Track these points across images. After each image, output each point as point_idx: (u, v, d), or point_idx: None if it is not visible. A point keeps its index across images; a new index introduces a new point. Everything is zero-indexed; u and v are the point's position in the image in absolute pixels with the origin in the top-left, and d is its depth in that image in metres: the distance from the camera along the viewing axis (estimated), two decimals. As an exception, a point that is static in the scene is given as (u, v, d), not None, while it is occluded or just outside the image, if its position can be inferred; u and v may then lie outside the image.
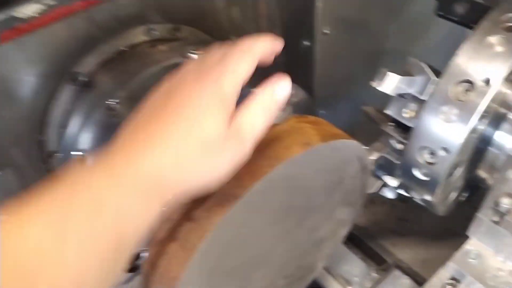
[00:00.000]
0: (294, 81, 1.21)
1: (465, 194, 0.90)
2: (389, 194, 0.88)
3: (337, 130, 0.65)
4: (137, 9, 0.76)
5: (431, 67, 0.71)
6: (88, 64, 0.74)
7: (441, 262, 1.47)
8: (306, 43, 1.12)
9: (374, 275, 1.11)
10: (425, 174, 0.75)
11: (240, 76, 0.43)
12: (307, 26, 1.08)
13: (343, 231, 0.88)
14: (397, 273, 1.10)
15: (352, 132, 1.51)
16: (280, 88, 0.45)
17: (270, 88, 0.45)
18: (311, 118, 0.64)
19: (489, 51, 0.65)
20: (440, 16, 0.79)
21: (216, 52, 0.47)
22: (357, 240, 1.53)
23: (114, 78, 0.74)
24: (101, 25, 0.74)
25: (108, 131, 0.68)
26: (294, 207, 0.61)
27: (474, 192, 0.91)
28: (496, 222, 0.79)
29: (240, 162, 0.42)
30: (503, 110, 0.71)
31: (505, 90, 0.69)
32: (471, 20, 0.74)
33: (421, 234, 1.52)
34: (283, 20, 1.01)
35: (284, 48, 1.12)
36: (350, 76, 1.32)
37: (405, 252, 1.54)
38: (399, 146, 0.77)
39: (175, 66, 0.75)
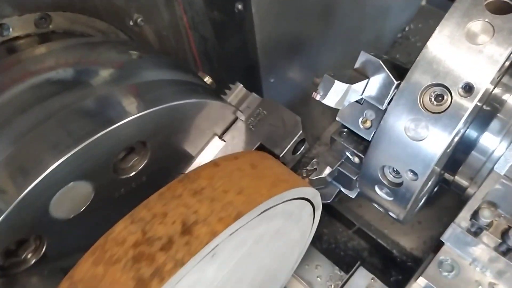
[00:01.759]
0: (233, 51, 1.00)
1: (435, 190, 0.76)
2: (351, 195, 0.73)
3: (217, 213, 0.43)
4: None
5: (390, 61, 0.52)
6: None
7: (408, 223, 1.39)
8: (239, 6, 0.89)
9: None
10: (388, 194, 0.59)
11: None
12: (237, -16, 0.85)
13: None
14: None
15: (308, 103, 1.34)
16: None
17: None
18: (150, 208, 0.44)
19: (471, 44, 0.46)
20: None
21: None
22: (324, 205, 1.44)
23: None
24: None
25: None
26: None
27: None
28: (474, 233, 0.66)
29: None
30: (490, 109, 0.55)
31: (492, 86, 0.52)
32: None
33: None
34: (203, -17, 0.78)
35: (212, 18, 0.89)
36: (299, 37, 1.11)
37: (372, 213, 1.44)
38: (356, 160, 0.61)
39: (47, 84, 0.54)
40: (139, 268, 0.38)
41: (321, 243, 1.41)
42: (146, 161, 0.54)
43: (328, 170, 0.61)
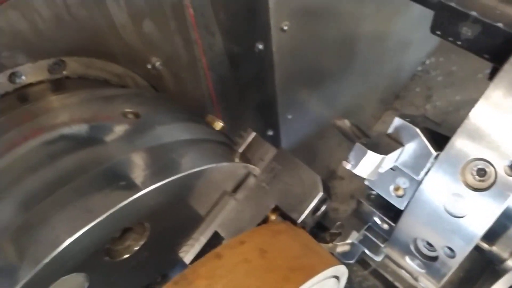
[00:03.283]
0: (250, 89, 0.96)
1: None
2: (377, 258, 0.68)
3: None
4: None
5: (427, 129, 0.48)
6: None
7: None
8: (260, 46, 0.86)
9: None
10: (420, 266, 0.55)
11: None
12: (259, 25, 0.82)
13: None
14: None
15: (324, 135, 1.30)
16: None
17: None
18: None
19: (520, 118, 0.42)
20: (438, 36, 0.54)
21: None
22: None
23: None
24: None
25: None
26: None
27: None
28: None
29: None
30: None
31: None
32: (483, 48, 0.51)
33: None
34: (223, 25, 0.75)
35: (231, 58, 0.87)
36: (318, 72, 1.08)
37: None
38: (385, 226, 0.56)
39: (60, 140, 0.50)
40: None
41: (334, 282, 1.36)
42: (145, 239, 0.48)
43: (354, 235, 0.56)
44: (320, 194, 0.51)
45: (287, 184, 0.52)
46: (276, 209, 0.53)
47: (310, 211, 0.52)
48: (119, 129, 0.50)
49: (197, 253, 0.54)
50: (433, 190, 0.47)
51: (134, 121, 0.51)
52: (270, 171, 0.53)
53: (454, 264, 0.49)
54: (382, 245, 0.57)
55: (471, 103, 0.44)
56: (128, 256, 0.47)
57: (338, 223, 0.58)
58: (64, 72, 0.59)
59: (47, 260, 0.37)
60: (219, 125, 0.58)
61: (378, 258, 0.62)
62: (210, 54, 0.76)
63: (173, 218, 0.51)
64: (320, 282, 0.46)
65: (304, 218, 0.52)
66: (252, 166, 0.54)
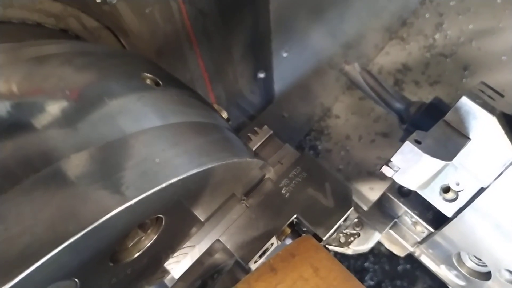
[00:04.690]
0: (239, 25, 0.78)
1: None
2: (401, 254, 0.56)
3: None
4: None
5: (506, 116, 0.32)
6: None
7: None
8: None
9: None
10: (460, 278, 0.43)
11: None
12: None
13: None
14: None
15: (320, 70, 1.12)
16: None
17: None
18: None
19: None
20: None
21: None
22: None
23: None
24: None
25: None
26: None
27: None
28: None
29: None
30: None
31: None
32: None
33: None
34: None
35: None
36: (319, 1, 0.89)
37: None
38: (418, 229, 0.43)
39: None
40: None
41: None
42: (155, 237, 0.38)
43: (376, 236, 0.43)
44: (351, 209, 0.41)
45: (312, 194, 0.43)
46: (291, 223, 0.43)
47: (336, 228, 0.41)
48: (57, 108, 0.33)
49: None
50: (502, 201, 0.33)
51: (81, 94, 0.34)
52: (292, 177, 0.45)
53: (514, 289, 0.37)
54: (411, 249, 0.45)
55: (486, 33, 0.29)
56: (131, 260, 0.38)
57: (356, 220, 0.45)
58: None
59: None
60: (225, 115, 0.44)
61: (402, 254, 0.51)
62: (185, -19, 0.57)
63: (179, 219, 0.41)
64: None
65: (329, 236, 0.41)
66: (270, 167, 0.44)
